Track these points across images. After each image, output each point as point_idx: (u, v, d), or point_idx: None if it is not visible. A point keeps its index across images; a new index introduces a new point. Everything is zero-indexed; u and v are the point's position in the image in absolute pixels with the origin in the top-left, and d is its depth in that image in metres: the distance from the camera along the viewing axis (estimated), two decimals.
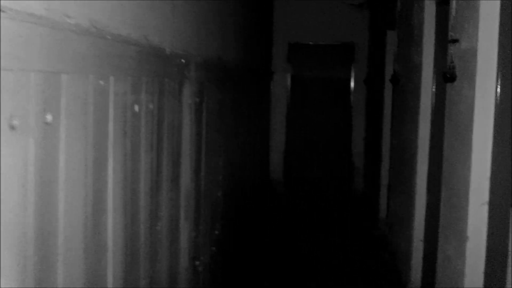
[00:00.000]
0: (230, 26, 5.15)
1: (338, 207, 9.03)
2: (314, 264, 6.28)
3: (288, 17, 9.55)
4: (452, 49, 3.57)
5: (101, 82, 2.04)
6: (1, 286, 1.47)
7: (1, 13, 1.35)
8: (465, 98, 3.29)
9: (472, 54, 3.20)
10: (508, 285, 2.96)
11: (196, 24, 3.63)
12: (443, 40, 4.14)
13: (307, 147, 11.79)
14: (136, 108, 2.43)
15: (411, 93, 5.05)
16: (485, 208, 3.07)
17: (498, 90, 3.05)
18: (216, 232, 4.53)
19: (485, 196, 3.07)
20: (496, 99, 3.05)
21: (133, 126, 2.40)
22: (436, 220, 4.05)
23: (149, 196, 2.67)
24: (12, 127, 1.45)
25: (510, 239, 3.03)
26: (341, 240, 7.13)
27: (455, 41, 3.53)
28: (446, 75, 3.58)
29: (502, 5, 3.07)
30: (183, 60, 3.16)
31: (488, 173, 3.07)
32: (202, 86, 3.81)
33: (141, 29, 2.52)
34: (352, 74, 9.99)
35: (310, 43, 10.00)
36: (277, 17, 9.53)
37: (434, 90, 4.52)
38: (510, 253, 3.04)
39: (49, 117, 1.66)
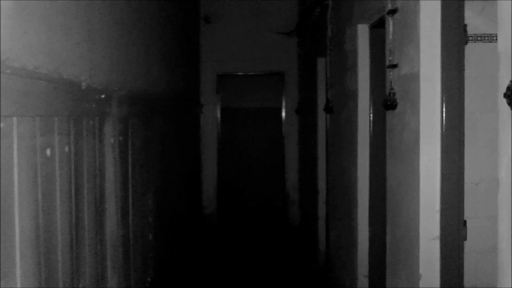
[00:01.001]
0: (155, 57, 4.87)
1: (274, 240, 8.78)
2: None
3: (215, 47, 9.33)
4: (391, 74, 3.39)
5: (1, 124, 1.73)
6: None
7: None
8: (408, 125, 3.09)
9: (413, 79, 3.02)
10: None
11: (116, 55, 3.33)
12: (380, 65, 3.97)
13: (240, 179, 11.55)
14: (48, 152, 2.12)
15: (347, 122, 4.87)
16: (437, 243, 2.86)
17: (444, 115, 2.87)
18: (149, 278, 4.20)
19: (436, 230, 2.87)
20: (442, 126, 2.87)
21: (45, 173, 2.09)
22: (381, 255, 3.84)
23: (68, 252, 2.34)
24: None
25: (464, 275, 2.83)
26: (278, 275, 6.86)
27: (394, 66, 3.35)
28: (386, 102, 3.39)
29: (442, 26, 2.90)
30: (103, 96, 2.86)
31: (437, 206, 2.87)
32: (126, 122, 3.51)
33: (52, 61, 2.21)
34: (284, 104, 9.82)
35: (239, 73, 9.80)
36: (204, 48, 9.30)
37: (371, 118, 4.34)
38: None
39: None
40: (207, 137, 9.40)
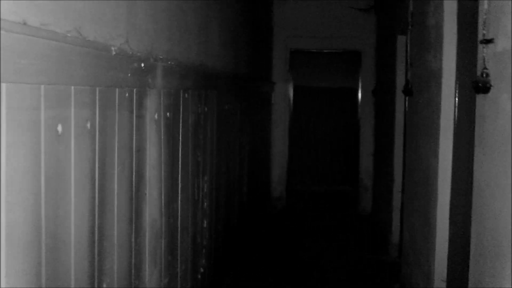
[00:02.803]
0: (217, 29, 4.47)
1: (344, 228, 8.29)
2: None
3: (288, 22, 8.84)
4: (484, 51, 2.87)
5: None
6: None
7: None
8: (504, 112, 2.58)
9: None
10: None
11: (165, 19, 2.94)
12: (469, 41, 3.44)
13: (312, 162, 11.10)
14: (60, 128, 1.74)
15: (428, 106, 4.34)
16: None
17: None
18: (201, 269, 3.83)
19: None
20: None
21: (53, 153, 1.71)
22: (463, 260, 3.34)
23: (87, 247, 1.97)
24: None
25: None
26: (348, 267, 6.40)
27: (488, 41, 2.82)
28: (477, 84, 2.87)
29: None
30: (142, 64, 2.47)
31: None
32: (177, 97, 3.12)
33: (70, 17, 1.83)
34: (359, 84, 9.27)
35: (313, 50, 9.29)
36: (276, 22, 8.83)
37: (457, 101, 3.81)
38: None
39: None
40: (278, 117, 8.96)
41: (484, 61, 2.85)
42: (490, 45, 2.81)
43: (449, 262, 3.82)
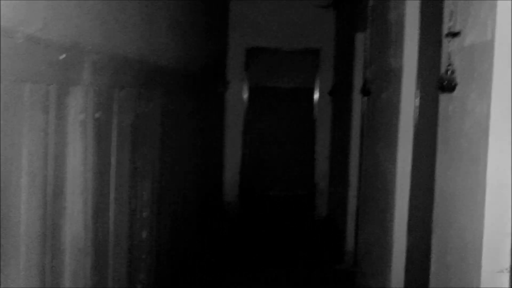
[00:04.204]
0: (165, 21, 4.14)
1: (299, 234, 8.00)
2: None
3: (245, 18, 8.52)
4: (450, 46, 2.60)
5: None
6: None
7: None
8: (472, 113, 2.31)
9: (484, 50, 2.22)
10: None
11: (98, 7, 2.60)
12: (433, 36, 3.18)
13: (266, 165, 10.78)
14: None
15: (387, 107, 4.08)
16: (505, 278, 2.09)
17: None
18: (138, 286, 3.49)
19: (505, 260, 2.09)
20: None
21: None
22: (422, 273, 3.07)
23: None
24: None
25: None
26: (301, 274, 6.12)
27: (455, 34, 2.56)
28: (441, 82, 2.60)
29: None
30: (63, 56, 2.13)
31: (509, 227, 2.09)
32: (110, 95, 2.78)
33: None
34: (317, 84, 9.01)
35: (271, 47, 8.99)
36: (233, 18, 8.50)
37: (418, 102, 3.55)
38: None
39: None
40: (232, 117, 8.64)
41: (449, 56, 2.58)
42: (457, 39, 2.54)
43: (406, 275, 3.55)
